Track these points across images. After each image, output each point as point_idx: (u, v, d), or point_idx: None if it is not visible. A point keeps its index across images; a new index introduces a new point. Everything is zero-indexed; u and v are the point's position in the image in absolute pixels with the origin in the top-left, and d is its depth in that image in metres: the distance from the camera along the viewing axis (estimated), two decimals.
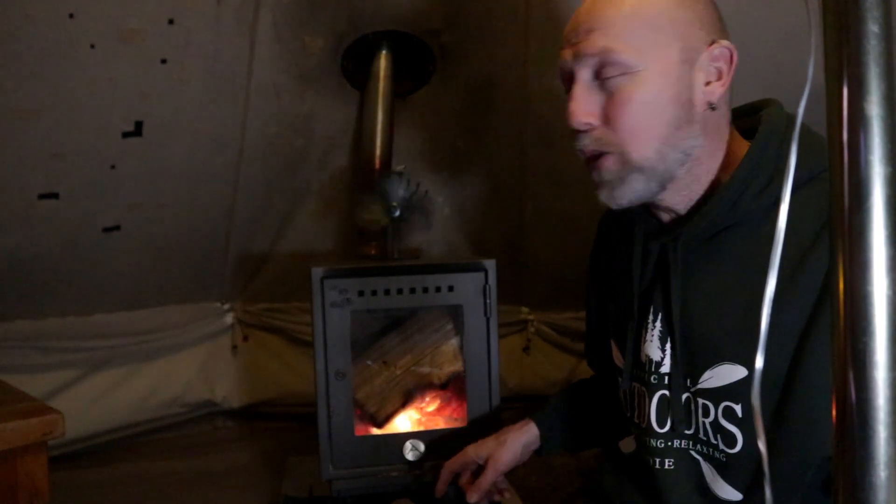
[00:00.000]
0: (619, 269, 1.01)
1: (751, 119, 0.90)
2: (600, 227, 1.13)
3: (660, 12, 0.82)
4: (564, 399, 1.24)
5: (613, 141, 0.84)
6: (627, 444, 1.01)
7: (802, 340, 0.78)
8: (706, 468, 0.88)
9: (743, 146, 0.87)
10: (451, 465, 1.24)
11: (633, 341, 0.96)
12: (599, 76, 0.84)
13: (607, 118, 0.84)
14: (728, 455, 0.85)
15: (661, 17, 0.82)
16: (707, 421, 0.87)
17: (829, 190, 0.43)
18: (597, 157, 0.86)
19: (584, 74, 0.85)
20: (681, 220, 0.89)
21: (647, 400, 0.93)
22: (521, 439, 1.19)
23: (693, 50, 0.83)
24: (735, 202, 0.83)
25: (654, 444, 0.92)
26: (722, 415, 0.85)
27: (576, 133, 0.87)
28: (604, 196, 0.88)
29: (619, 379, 0.99)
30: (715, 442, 0.87)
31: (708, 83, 0.84)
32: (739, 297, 0.84)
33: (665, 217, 0.92)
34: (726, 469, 0.86)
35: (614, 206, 0.88)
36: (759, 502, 0.83)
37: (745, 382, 0.83)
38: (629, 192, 0.86)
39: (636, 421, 0.95)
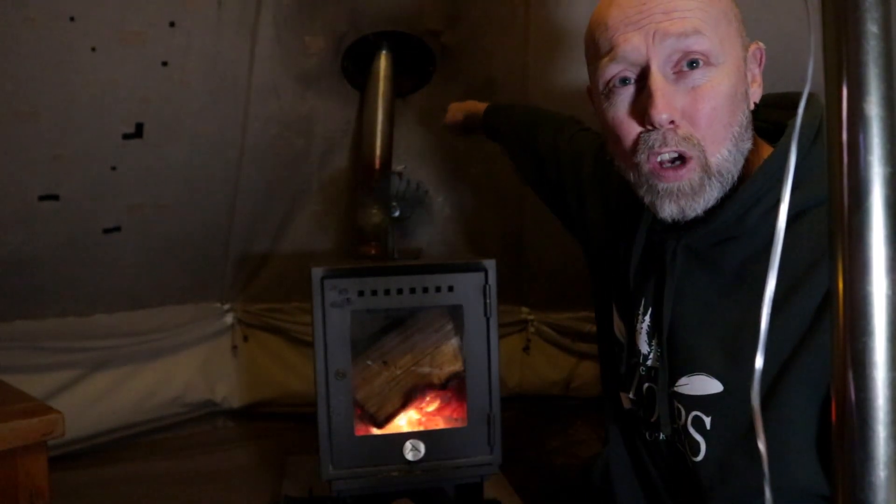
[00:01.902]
0: (622, 237, 0.98)
1: (784, 113, 0.85)
2: (602, 160, 1.04)
3: (728, 4, 0.79)
4: (521, 111, 1.42)
5: (697, 140, 0.77)
6: (627, 401, 1.00)
7: (783, 370, 0.76)
8: (689, 463, 0.88)
9: (761, 151, 0.83)
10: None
11: (629, 326, 0.95)
12: (676, 67, 0.77)
13: (688, 115, 0.77)
14: (692, 462, 0.85)
15: (730, 10, 0.79)
16: (679, 423, 0.86)
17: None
18: (673, 163, 0.78)
19: (661, 64, 0.77)
20: (688, 222, 0.84)
21: (641, 386, 0.93)
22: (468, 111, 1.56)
23: (745, 48, 0.81)
24: (742, 215, 0.79)
25: (648, 428, 0.93)
26: (691, 422, 0.84)
27: (644, 135, 0.79)
28: (670, 210, 0.80)
29: (618, 350, 0.98)
30: (685, 445, 0.87)
31: (752, 83, 0.82)
32: (729, 312, 0.82)
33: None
34: (694, 472, 0.86)
35: (680, 218, 0.80)
36: None
37: (720, 398, 0.81)
38: (703, 203, 0.79)
39: (633, 397, 0.95)
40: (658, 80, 0.76)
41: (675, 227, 0.85)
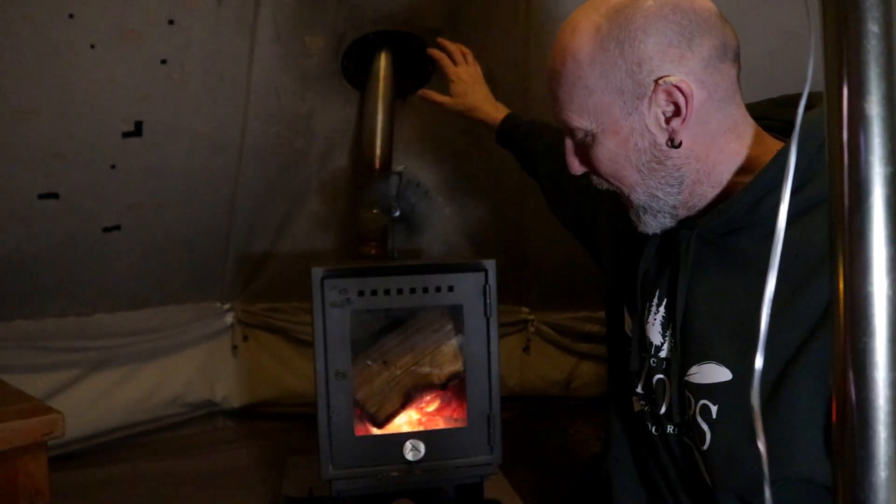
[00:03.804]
0: (632, 240, 1.00)
1: (794, 112, 0.87)
2: None
3: (590, 73, 0.82)
4: (538, 129, 1.41)
5: (612, 185, 0.89)
6: (638, 404, 1.00)
7: (793, 361, 0.77)
8: (697, 455, 0.88)
9: (771, 144, 0.85)
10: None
11: (639, 319, 0.96)
12: (572, 136, 0.89)
13: (592, 171, 0.90)
14: (700, 452, 0.86)
15: (592, 78, 0.82)
16: (689, 413, 0.87)
17: None
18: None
19: (567, 132, 0.90)
20: (698, 213, 0.88)
21: (650, 379, 0.93)
22: (482, 107, 1.50)
23: (637, 96, 0.81)
24: (753, 205, 0.81)
25: (655, 422, 0.93)
26: (699, 411, 0.85)
27: None
28: (637, 226, 0.92)
29: (629, 350, 0.99)
30: (693, 435, 0.87)
31: (668, 121, 0.82)
32: (740, 300, 0.83)
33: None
34: (703, 462, 0.87)
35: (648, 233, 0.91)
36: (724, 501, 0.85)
37: (728, 386, 0.82)
38: (651, 227, 0.90)
39: (640, 392, 0.96)
40: (567, 144, 0.91)
41: (689, 218, 0.88)
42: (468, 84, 1.55)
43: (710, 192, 0.86)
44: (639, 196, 0.87)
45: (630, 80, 0.81)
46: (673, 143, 0.83)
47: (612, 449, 1.04)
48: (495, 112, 1.50)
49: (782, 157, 0.80)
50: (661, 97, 0.80)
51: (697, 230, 0.87)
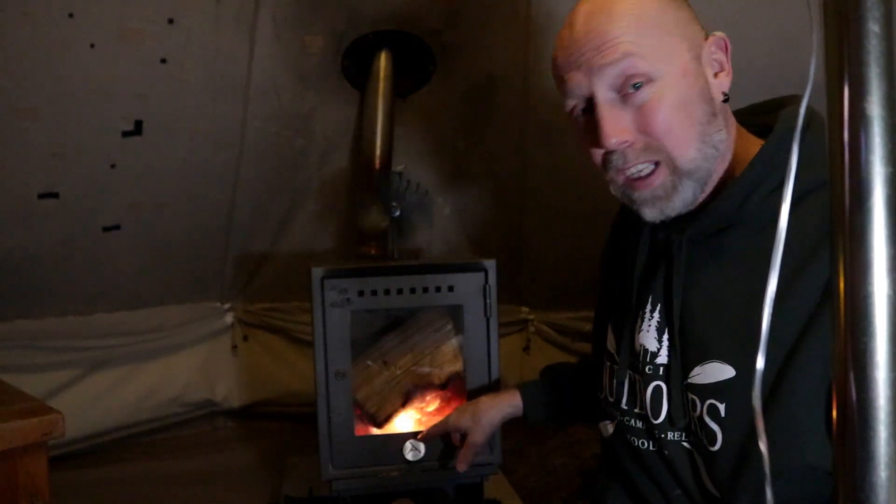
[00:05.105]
0: (623, 257, 1.02)
1: (769, 116, 0.89)
2: (614, 223, 1.12)
3: (663, 13, 0.84)
4: (549, 373, 1.31)
5: (659, 149, 0.83)
6: (606, 429, 1.01)
7: (794, 349, 0.78)
8: (699, 459, 0.88)
9: (752, 144, 0.87)
10: (431, 433, 1.41)
11: (629, 329, 0.96)
12: (621, 90, 0.82)
13: (643, 130, 0.82)
14: (709, 452, 0.86)
15: (666, 19, 0.84)
16: (694, 416, 0.87)
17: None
18: (642, 176, 0.85)
19: (604, 92, 0.83)
20: (688, 215, 0.88)
21: (641, 388, 0.93)
22: (500, 413, 1.30)
23: (697, 46, 0.85)
24: (742, 201, 0.83)
25: (650, 434, 0.92)
26: (706, 412, 0.85)
27: (608, 156, 0.85)
28: (651, 214, 0.86)
29: (609, 364, 0.99)
30: (700, 437, 0.87)
31: (716, 75, 0.86)
32: (736, 297, 0.84)
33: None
34: (710, 465, 0.87)
35: (660, 220, 0.87)
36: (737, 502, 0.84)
37: (732, 383, 0.82)
38: (679, 202, 0.85)
39: (625, 407, 0.95)
40: (603, 109, 0.83)
41: (679, 221, 0.88)
42: (464, 406, 1.37)
43: (707, 187, 0.87)
44: (691, 155, 0.82)
45: (691, 27, 0.85)
46: (726, 96, 0.86)
47: (600, 472, 1.05)
48: (507, 396, 1.31)
49: (766, 152, 0.83)
50: (709, 52, 0.85)
51: (688, 232, 0.87)
